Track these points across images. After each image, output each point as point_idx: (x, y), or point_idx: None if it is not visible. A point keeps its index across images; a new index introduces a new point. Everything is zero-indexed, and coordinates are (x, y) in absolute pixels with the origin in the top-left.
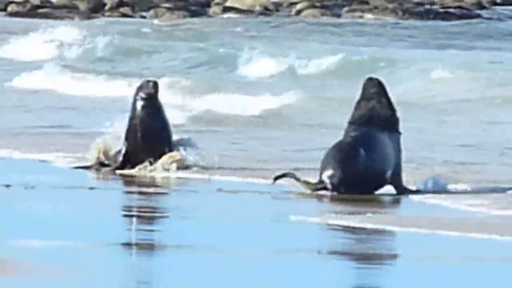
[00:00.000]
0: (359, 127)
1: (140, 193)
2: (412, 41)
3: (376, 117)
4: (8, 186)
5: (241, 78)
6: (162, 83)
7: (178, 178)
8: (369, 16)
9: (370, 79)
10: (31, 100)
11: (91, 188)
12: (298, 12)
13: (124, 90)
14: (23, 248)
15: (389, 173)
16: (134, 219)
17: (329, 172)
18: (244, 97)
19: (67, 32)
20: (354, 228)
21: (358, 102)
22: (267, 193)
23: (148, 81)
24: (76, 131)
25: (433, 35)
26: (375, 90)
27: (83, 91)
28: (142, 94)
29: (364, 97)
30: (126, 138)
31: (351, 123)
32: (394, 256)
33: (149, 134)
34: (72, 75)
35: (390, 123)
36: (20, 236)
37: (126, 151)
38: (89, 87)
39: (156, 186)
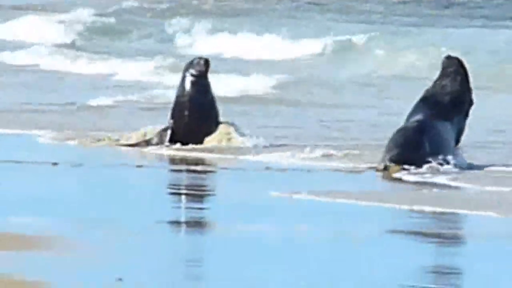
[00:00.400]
0: (428, 109)
1: (188, 171)
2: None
3: (447, 99)
4: (55, 164)
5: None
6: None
7: (225, 156)
8: None
9: (449, 57)
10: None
11: (139, 166)
12: None
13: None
14: (74, 226)
15: (448, 155)
16: (181, 197)
17: (392, 155)
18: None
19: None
20: None
21: (435, 81)
22: (314, 171)
23: (199, 58)
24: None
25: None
26: (452, 69)
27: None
28: (192, 71)
29: (441, 75)
30: (173, 116)
31: (423, 99)
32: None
33: (198, 113)
34: (56, 53)
35: (460, 105)
36: (70, 214)
37: (173, 129)
38: (69, 65)
39: (203, 164)
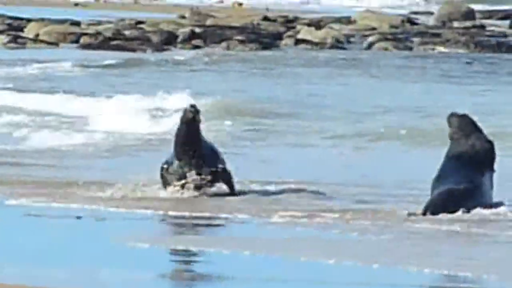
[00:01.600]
0: (463, 167)
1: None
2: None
3: (477, 156)
4: (79, 217)
5: None
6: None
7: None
8: (441, 49)
9: (463, 115)
10: None
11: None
12: (370, 45)
13: None
14: (95, 279)
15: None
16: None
17: (434, 211)
18: None
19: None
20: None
21: (457, 139)
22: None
23: (191, 106)
24: None
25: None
26: (470, 127)
27: None
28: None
29: (463, 134)
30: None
31: (455, 158)
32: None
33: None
34: None
35: (490, 161)
36: (92, 267)
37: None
38: None
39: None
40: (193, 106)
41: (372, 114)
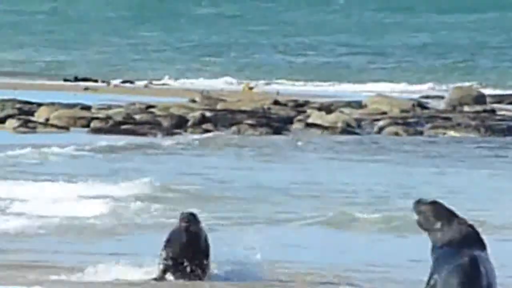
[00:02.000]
0: (463, 248)
1: None
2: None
3: (467, 240)
4: None
5: None
6: None
7: None
8: (451, 133)
9: (434, 203)
10: None
11: None
12: (381, 129)
13: None
14: None
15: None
16: None
17: None
18: None
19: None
20: None
21: (440, 229)
22: None
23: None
24: None
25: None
26: (447, 212)
27: None
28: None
29: (442, 222)
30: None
31: (442, 246)
32: None
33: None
34: None
35: (480, 241)
36: None
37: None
38: None
39: None
40: (188, 215)
41: (371, 200)
